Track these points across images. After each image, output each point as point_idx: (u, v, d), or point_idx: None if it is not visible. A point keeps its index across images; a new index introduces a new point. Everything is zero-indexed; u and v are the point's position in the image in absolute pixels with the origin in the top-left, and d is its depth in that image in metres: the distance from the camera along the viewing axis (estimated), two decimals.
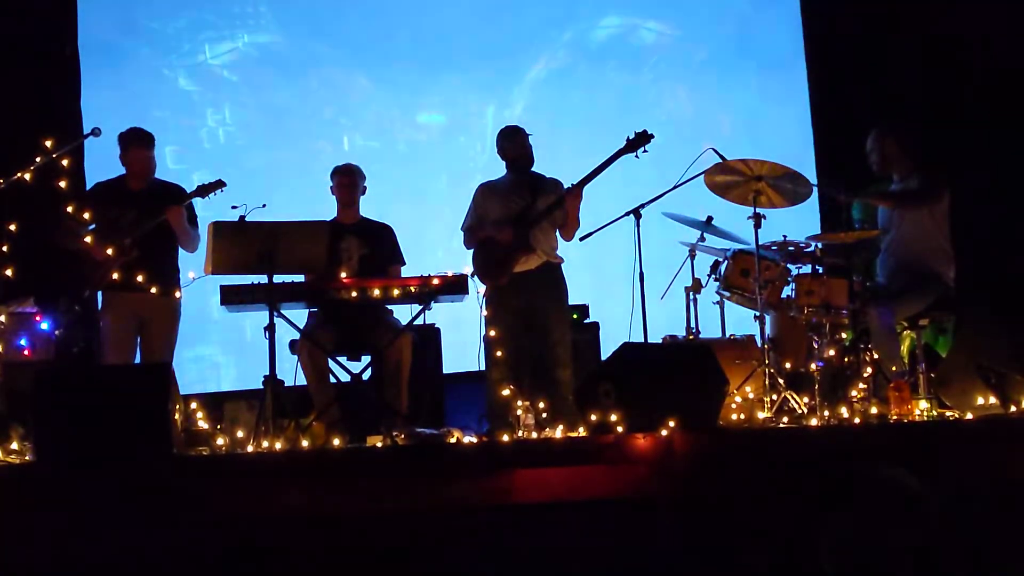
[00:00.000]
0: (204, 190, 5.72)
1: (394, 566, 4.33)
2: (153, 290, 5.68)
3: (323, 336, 5.65)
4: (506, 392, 5.48)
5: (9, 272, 5.42)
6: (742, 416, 5.42)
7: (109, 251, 5.61)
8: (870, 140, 6.06)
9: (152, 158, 5.96)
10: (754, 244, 5.68)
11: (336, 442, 4.95)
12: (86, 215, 5.68)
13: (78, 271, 5.73)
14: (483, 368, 5.94)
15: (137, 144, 5.88)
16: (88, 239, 5.65)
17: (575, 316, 6.69)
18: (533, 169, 6.13)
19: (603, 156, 5.87)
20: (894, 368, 5.55)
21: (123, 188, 5.91)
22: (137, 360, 5.85)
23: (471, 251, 6.03)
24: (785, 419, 5.37)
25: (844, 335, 5.88)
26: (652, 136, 5.83)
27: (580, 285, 6.40)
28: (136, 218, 5.71)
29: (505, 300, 5.90)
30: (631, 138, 5.84)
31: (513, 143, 6.10)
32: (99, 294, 5.86)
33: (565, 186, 6.01)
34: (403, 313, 5.69)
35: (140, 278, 5.65)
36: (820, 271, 5.93)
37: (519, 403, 5.26)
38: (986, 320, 5.64)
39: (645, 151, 5.83)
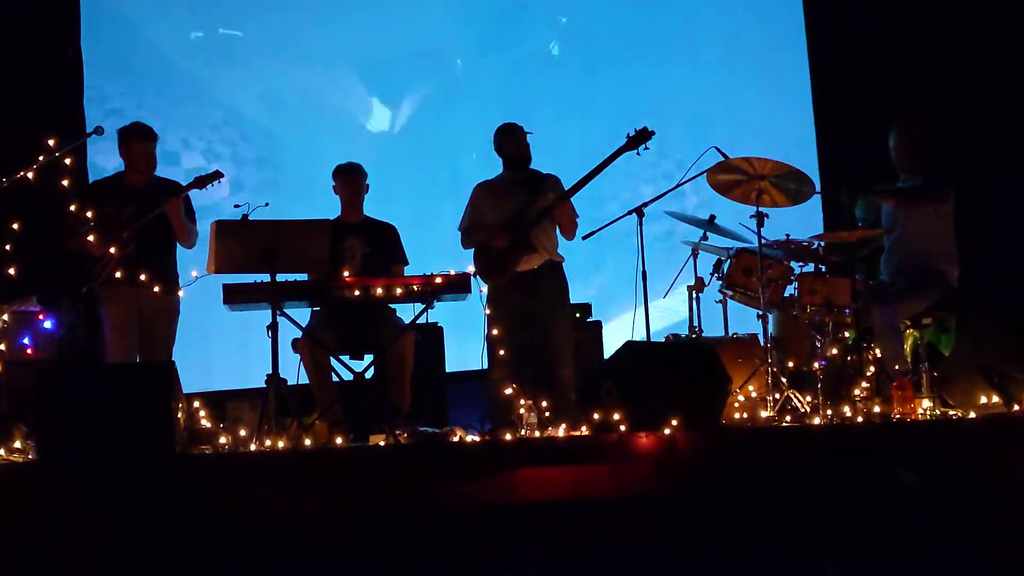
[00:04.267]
0: (202, 181, 5.62)
1: (397, 565, 4.33)
2: (155, 289, 5.58)
3: (326, 335, 5.65)
4: (508, 391, 5.48)
5: (12, 271, 5.40)
6: (745, 415, 5.43)
7: (107, 246, 5.50)
8: (894, 135, 6.00)
9: (154, 153, 5.85)
10: (757, 243, 5.68)
11: (339, 441, 4.95)
12: (88, 213, 5.57)
13: (78, 268, 5.62)
14: (486, 367, 5.94)
15: (139, 138, 5.78)
16: (89, 237, 5.55)
17: (577, 315, 6.69)
18: (531, 166, 6.12)
19: (602, 154, 5.87)
20: (897, 367, 5.54)
21: (122, 185, 5.80)
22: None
23: (471, 251, 6.02)
24: (788, 418, 5.38)
25: (847, 334, 5.88)
26: (653, 133, 5.80)
27: (583, 284, 6.40)
28: (134, 213, 5.59)
29: (507, 299, 5.89)
30: (631, 135, 5.82)
31: (511, 140, 6.08)
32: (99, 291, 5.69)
33: (562, 181, 6.01)
34: (406, 312, 5.70)
35: (141, 276, 5.54)
36: (823, 270, 5.93)
37: (521, 402, 5.26)
38: (989, 319, 5.63)
39: (647, 148, 5.82)
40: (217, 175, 5.64)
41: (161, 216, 5.62)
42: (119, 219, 5.58)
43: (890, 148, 6.00)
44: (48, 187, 5.44)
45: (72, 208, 5.58)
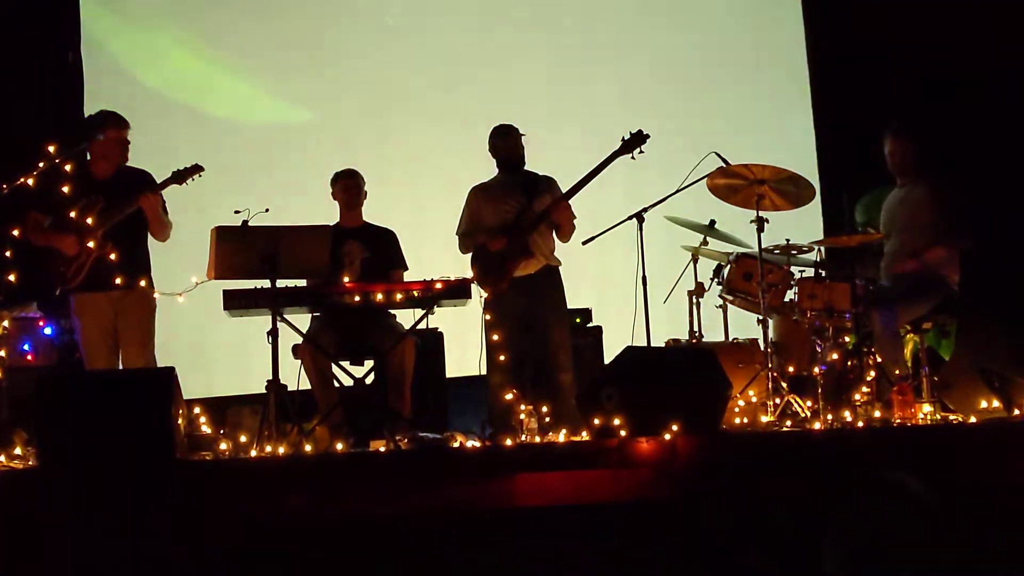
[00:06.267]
0: (181, 175, 5.45)
1: (397, 570, 4.33)
2: (129, 283, 5.42)
3: (326, 340, 5.65)
4: (509, 396, 5.48)
5: (12, 277, 5.36)
6: (745, 420, 5.42)
7: (80, 245, 5.37)
8: (887, 142, 6.01)
9: (127, 141, 5.59)
10: (757, 248, 5.68)
11: (339, 446, 4.96)
12: (55, 208, 5.39)
13: (51, 269, 5.46)
14: (485, 372, 5.94)
15: (114, 124, 5.54)
16: (56, 234, 5.39)
17: (578, 320, 6.69)
18: (525, 168, 6.12)
19: (598, 158, 5.87)
20: (897, 371, 5.55)
21: (88, 175, 5.52)
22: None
23: (469, 256, 6.03)
24: (788, 423, 5.38)
25: (847, 339, 5.88)
26: (648, 136, 5.81)
27: (583, 289, 6.40)
28: (106, 207, 5.42)
29: (505, 305, 5.89)
30: (626, 138, 5.83)
31: (506, 142, 6.09)
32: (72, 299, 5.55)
33: (558, 183, 6.01)
34: (406, 318, 5.70)
35: (111, 272, 5.38)
36: (823, 275, 5.93)
37: (522, 407, 5.26)
38: (989, 323, 5.63)
39: (642, 151, 5.82)
40: (197, 169, 5.49)
41: (135, 210, 5.44)
42: (91, 215, 5.41)
43: (885, 155, 6.02)
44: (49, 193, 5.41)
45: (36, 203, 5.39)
